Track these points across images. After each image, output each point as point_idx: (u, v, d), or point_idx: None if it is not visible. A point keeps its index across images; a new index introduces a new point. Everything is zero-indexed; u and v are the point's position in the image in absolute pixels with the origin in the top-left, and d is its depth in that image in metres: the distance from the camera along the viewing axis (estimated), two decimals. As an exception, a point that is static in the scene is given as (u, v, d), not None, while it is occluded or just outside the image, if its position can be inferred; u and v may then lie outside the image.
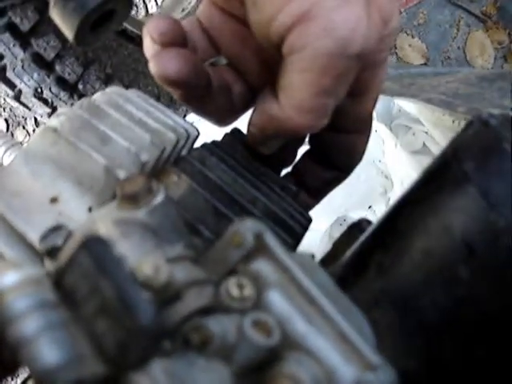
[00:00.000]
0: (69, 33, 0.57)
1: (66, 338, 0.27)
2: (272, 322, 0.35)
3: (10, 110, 2.23)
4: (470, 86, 0.80)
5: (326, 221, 1.37)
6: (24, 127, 2.20)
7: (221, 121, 0.66)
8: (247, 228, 0.39)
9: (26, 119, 2.20)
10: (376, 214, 1.36)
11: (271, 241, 0.39)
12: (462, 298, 0.43)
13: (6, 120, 2.23)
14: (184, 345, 0.33)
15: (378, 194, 1.34)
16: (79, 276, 0.26)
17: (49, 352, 0.27)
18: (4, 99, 2.23)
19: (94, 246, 0.26)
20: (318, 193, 0.70)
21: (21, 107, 2.09)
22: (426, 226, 0.45)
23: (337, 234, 1.38)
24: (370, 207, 1.37)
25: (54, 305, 0.28)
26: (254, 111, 0.61)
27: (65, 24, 0.56)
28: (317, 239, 1.37)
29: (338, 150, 0.65)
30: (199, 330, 0.33)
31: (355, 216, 1.35)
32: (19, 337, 0.28)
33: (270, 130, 0.57)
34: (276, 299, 0.37)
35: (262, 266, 0.38)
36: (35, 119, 2.16)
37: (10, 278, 0.29)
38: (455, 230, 0.43)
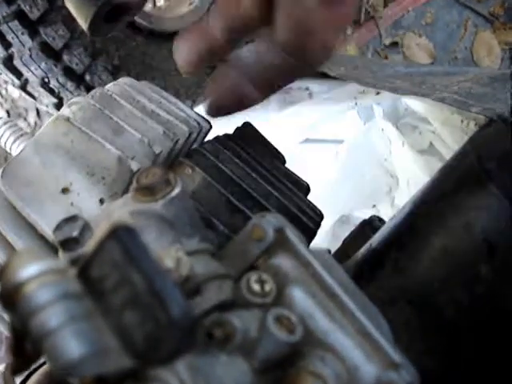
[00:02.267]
0: (83, 22, 0.56)
1: (89, 331, 0.27)
2: (294, 318, 0.34)
3: (12, 101, 2.22)
4: (483, 86, 0.79)
5: (329, 219, 1.36)
6: (25, 118, 2.19)
7: None
8: (268, 222, 0.38)
9: (27, 110, 2.19)
10: (380, 212, 1.35)
11: (292, 236, 0.38)
12: (482, 295, 0.42)
13: (8, 111, 2.22)
14: (206, 340, 0.32)
15: (383, 193, 1.33)
16: (107, 266, 0.26)
17: (71, 344, 0.26)
18: (5, 90, 2.22)
19: (123, 235, 0.25)
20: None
21: (23, 98, 2.09)
22: (446, 223, 0.45)
23: (340, 232, 1.38)
24: (374, 206, 1.37)
25: (77, 296, 0.27)
26: None
27: (79, 13, 0.55)
28: (320, 237, 1.37)
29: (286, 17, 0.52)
30: (222, 324, 0.32)
31: (359, 215, 1.35)
32: (42, 328, 0.27)
33: None
34: (298, 295, 0.36)
35: (282, 261, 0.38)
36: (37, 110, 2.14)
37: (33, 268, 0.28)
38: (476, 228, 0.43)
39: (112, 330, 0.26)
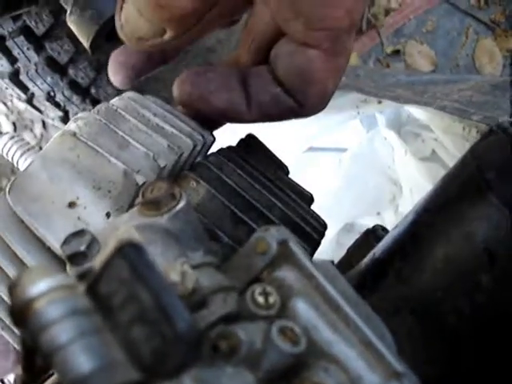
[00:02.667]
0: (84, 41, 0.57)
1: (98, 345, 0.27)
2: (298, 329, 0.35)
3: (18, 113, 2.24)
4: (484, 94, 0.80)
5: (333, 227, 1.37)
6: (31, 130, 2.20)
7: None
8: (272, 235, 0.39)
9: (33, 122, 2.20)
10: (384, 220, 1.36)
11: (296, 248, 0.39)
12: (483, 304, 0.43)
13: (14, 123, 2.23)
14: (211, 352, 0.33)
15: (387, 201, 1.34)
16: (115, 283, 0.26)
17: (81, 359, 0.27)
18: (11, 101, 2.24)
19: (130, 252, 0.26)
20: (266, 109, 0.59)
21: (29, 110, 2.10)
22: (448, 233, 0.45)
23: (344, 240, 1.38)
24: (378, 214, 1.37)
25: (86, 312, 0.28)
26: None
27: (81, 32, 0.56)
28: (324, 245, 1.37)
29: (288, 64, 0.55)
30: (228, 337, 0.33)
31: (363, 222, 1.35)
32: (52, 343, 0.28)
33: None
34: (302, 307, 0.37)
35: (286, 274, 0.38)
36: (43, 122, 2.16)
37: (43, 284, 0.29)
38: (477, 237, 0.44)
39: (120, 344, 0.27)
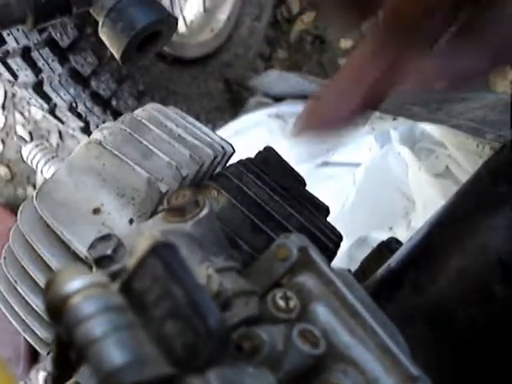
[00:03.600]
0: (116, 52, 0.59)
1: (131, 340, 0.29)
2: (318, 332, 0.36)
3: (35, 122, 2.28)
4: (498, 113, 0.81)
5: (346, 241, 1.38)
6: (48, 140, 2.24)
7: None
8: (293, 242, 0.41)
9: (50, 132, 2.24)
10: (396, 235, 1.36)
11: (315, 255, 0.40)
12: (497, 314, 0.44)
13: (30, 132, 2.27)
14: (235, 352, 0.34)
15: (400, 216, 1.35)
16: (148, 280, 0.28)
17: (114, 353, 0.29)
18: (29, 112, 2.27)
19: (164, 251, 0.27)
20: None
21: (45, 120, 2.13)
22: (462, 244, 0.46)
23: (357, 254, 1.39)
24: (390, 228, 1.38)
25: (120, 308, 0.30)
26: None
27: (112, 43, 0.58)
28: (337, 259, 1.38)
29: None
30: (251, 337, 0.34)
31: (376, 237, 1.36)
32: (86, 337, 0.29)
33: None
34: (321, 311, 0.38)
35: (306, 280, 0.40)
36: (59, 132, 2.19)
37: (78, 282, 0.30)
38: (491, 249, 0.45)
39: (153, 339, 0.28)
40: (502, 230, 0.45)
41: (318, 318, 0.38)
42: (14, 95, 2.34)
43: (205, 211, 0.45)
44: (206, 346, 0.26)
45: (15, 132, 2.31)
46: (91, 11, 0.65)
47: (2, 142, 2.36)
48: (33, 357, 1.91)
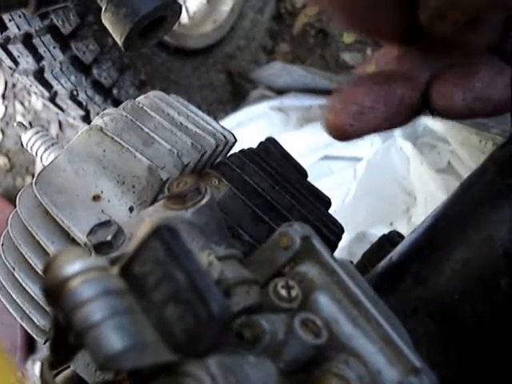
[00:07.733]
0: (118, 38, 0.58)
1: (131, 325, 0.28)
2: (320, 322, 0.36)
3: (35, 112, 2.27)
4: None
5: (346, 236, 1.37)
6: (47, 130, 2.22)
7: None
8: (295, 231, 0.40)
9: (49, 122, 2.23)
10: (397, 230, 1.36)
11: (318, 244, 0.40)
12: (502, 306, 0.43)
13: (30, 122, 2.26)
14: (236, 340, 0.34)
15: (400, 211, 1.34)
16: (149, 264, 0.27)
17: (113, 338, 0.28)
18: (29, 102, 2.26)
19: (166, 234, 0.27)
20: None
21: (46, 109, 2.12)
22: (467, 236, 0.46)
23: (356, 249, 1.38)
24: (391, 224, 1.37)
25: (120, 292, 0.29)
26: None
27: (115, 29, 0.57)
28: (336, 254, 1.37)
29: None
30: (252, 326, 0.34)
31: (376, 232, 1.35)
32: (85, 321, 0.28)
33: None
34: (323, 301, 0.37)
35: (309, 269, 0.39)
36: (59, 122, 2.18)
37: (77, 265, 0.29)
38: (496, 241, 0.44)
39: (153, 324, 0.28)
40: (508, 222, 0.44)
41: (320, 308, 0.37)
42: (14, 85, 2.33)
43: (206, 199, 0.44)
44: (207, 332, 0.25)
45: (15, 122, 2.30)
46: (94, -3, 0.64)
47: (2, 131, 2.35)
48: (29, 348, 1.91)
